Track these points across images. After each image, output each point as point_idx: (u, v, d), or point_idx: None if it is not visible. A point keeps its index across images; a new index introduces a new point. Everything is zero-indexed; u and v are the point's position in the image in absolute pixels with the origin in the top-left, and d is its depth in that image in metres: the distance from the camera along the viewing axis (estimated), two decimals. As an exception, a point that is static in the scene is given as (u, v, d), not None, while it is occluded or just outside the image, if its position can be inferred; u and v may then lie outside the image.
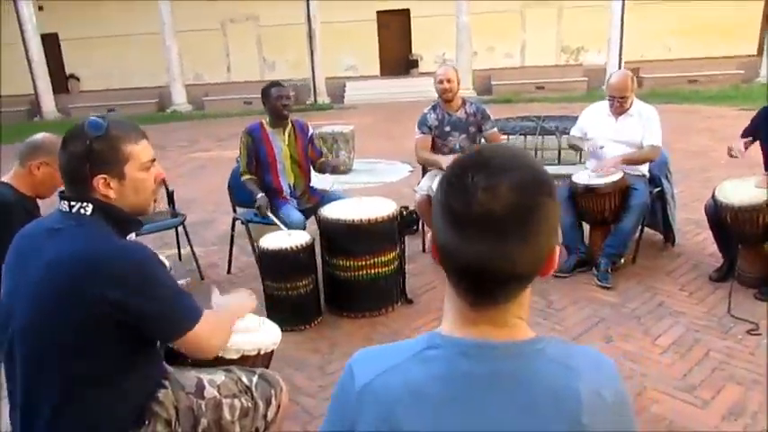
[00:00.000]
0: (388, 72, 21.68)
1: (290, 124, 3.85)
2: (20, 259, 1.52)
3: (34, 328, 1.44)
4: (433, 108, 4.25)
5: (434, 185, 3.83)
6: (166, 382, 1.64)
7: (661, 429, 2.34)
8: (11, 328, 1.48)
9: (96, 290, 1.37)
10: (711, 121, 10.75)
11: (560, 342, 0.87)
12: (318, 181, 4.07)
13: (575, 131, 4.20)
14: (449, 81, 4.08)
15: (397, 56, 21.72)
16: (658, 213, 4.16)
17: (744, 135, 3.71)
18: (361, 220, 3.27)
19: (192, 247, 4.27)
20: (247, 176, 3.76)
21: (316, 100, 18.59)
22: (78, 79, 22.56)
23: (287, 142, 3.82)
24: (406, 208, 3.63)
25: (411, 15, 21.40)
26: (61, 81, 21.61)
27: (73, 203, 1.49)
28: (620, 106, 3.86)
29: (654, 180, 4.08)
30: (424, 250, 4.39)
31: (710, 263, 3.88)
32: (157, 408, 1.59)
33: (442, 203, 0.81)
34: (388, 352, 0.91)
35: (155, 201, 1.63)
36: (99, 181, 1.48)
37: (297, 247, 3.21)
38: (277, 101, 3.79)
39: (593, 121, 4.04)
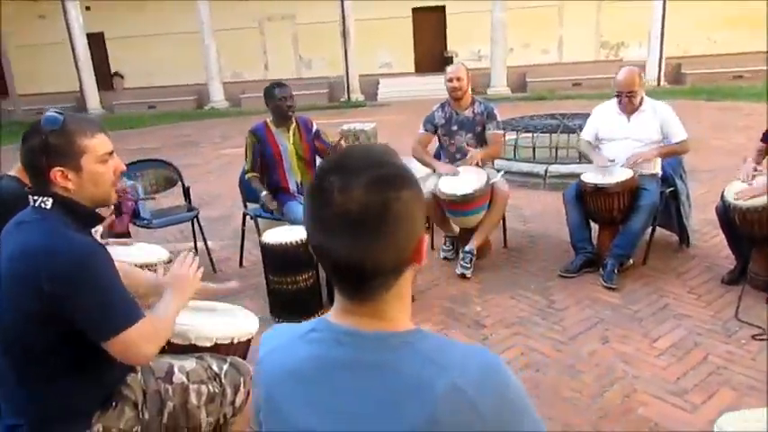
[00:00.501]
0: (422, 69, 21.63)
1: (293, 122, 3.92)
2: None
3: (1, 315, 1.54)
4: (442, 106, 4.25)
5: (440, 184, 3.86)
6: (137, 368, 1.72)
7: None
8: None
9: (38, 283, 1.44)
10: (752, 118, 10.35)
11: (438, 338, 0.90)
12: None
13: (585, 134, 4.11)
14: (458, 80, 4.07)
15: (432, 53, 21.65)
16: (672, 214, 4.07)
17: (764, 139, 3.59)
18: (361, 217, 3.30)
19: (205, 241, 4.40)
20: (251, 175, 3.86)
21: (349, 97, 18.70)
22: (122, 77, 23.26)
23: (292, 141, 3.89)
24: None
25: (446, 12, 21.31)
26: (106, 78, 22.32)
27: (35, 198, 1.57)
28: (629, 102, 3.77)
29: (667, 180, 3.99)
30: (432, 248, 4.40)
31: (725, 265, 3.77)
32: (126, 391, 1.67)
33: (307, 205, 0.85)
34: (285, 330, 0.96)
35: (116, 192, 1.70)
36: (56, 174, 1.54)
37: (297, 242, 3.28)
38: (281, 102, 3.86)
39: (605, 122, 3.96)
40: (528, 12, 20.19)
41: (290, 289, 3.32)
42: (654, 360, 2.82)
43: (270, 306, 3.46)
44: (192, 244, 4.67)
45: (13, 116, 16.68)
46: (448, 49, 21.69)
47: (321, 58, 21.18)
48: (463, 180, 3.85)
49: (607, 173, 3.74)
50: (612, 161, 3.80)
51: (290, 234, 3.35)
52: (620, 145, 3.83)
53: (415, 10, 21.52)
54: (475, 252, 3.92)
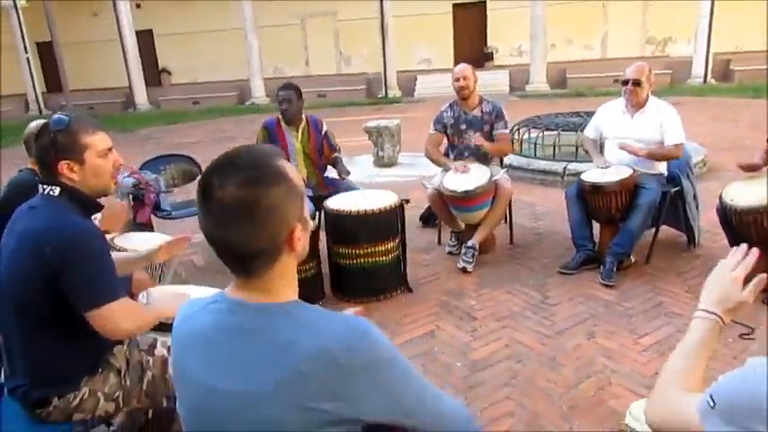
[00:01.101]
0: (462, 65, 21.56)
1: (303, 121, 4.09)
2: (8, 231, 1.85)
3: (5, 285, 1.77)
4: (451, 106, 4.36)
5: (444, 180, 3.97)
6: (125, 340, 1.93)
7: (610, 424, 2.38)
8: None
9: (43, 256, 1.67)
10: (797, 118, 10.01)
11: (315, 309, 1.05)
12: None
13: (589, 130, 4.17)
14: (465, 79, 4.17)
15: (472, 49, 21.53)
16: (679, 214, 4.07)
17: None
18: (358, 212, 3.47)
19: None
20: None
21: (386, 93, 18.84)
22: (170, 73, 24.06)
23: (299, 139, 4.08)
24: (407, 201, 3.77)
25: (487, 8, 21.19)
26: (154, 75, 23.14)
27: (45, 186, 1.81)
28: (633, 93, 3.78)
29: (673, 179, 4.00)
30: (439, 242, 4.52)
31: (729, 266, 3.76)
32: (112, 360, 1.89)
33: (197, 200, 1.01)
34: (195, 302, 1.13)
35: (114, 183, 1.92)
36: (63, 166, 1.78)
37: (299, 234, 3.45)
38: (280, 104, 4.05)
39: (609, 120, 4.00)
40: (572, 7, 19.91)
41: (293, 278, 3.50)
42: (635, 356, 2.88)
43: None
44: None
45: (65, 111, 17.43)
46: (488, 44, 21.59)
47: (360, 55, 21.40)
48: (466, 177, 3.95)
49: (606, 171, 3.78)
50: (608, 166, 3.84)
51: (293, 226, 3.53)
52: (623, 144, 3.85)
53: (455, 6, 21.50)
54: (477, 247, 4.02)
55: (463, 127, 4.25)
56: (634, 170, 3.73)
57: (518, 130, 6.98)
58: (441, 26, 21.57)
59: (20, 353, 1.81)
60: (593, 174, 3.84)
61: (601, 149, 4.14)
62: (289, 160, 3.36)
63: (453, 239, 4.34)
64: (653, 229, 3.99)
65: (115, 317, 1.73)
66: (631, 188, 3.71)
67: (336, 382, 0.97)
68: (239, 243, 0.99)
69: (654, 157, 3.76)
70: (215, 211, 0.98)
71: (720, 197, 3.43)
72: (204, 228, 1.01)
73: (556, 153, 6.29)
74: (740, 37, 18.03)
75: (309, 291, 3.56)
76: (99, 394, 1.84)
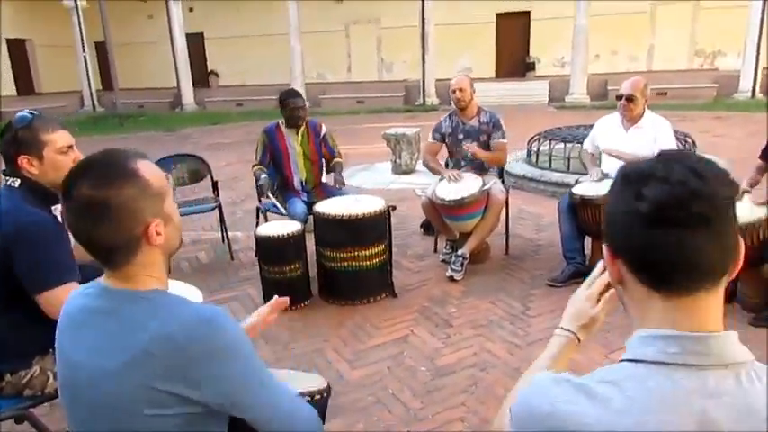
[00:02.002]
0: (503, 74, 21.48)
1: (304, 125, 4.21)
2: None
3: None
4: (450, 116, 4.41)
5: (436, 189, 4.03)
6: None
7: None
8: None
9: (2, 245, 1.83)
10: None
11: (175, 298, 1.16)
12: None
13: (587, 143, 4.16)
14: (461, 90, 4.22)
15: (514, 58, 21.44)
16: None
17: (763, 156, 3.49)
18: (344, 216, 3.56)
19: (225, 231, 4.84)
20: (257, 167, 4.19)
21: (424, 101, 18.92)
22: (218, 75, 24.79)
23: (300, 141, 4.20)
24: (394, 207, 3.83)
25: (531, 17, 21.03)
26: (203, 76, 23.91)
27: (7, 178, 1.98)
28: (626, 108, 3.77)
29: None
30: (435, 250, 4.57)
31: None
32: None
33: (61, 199, 1.13)
34: (81, 288, 1.23)
35: None
36: (23, 160, 1.94)
37: (285, 235, 3.58)
38: (293, 111, 4.18)
39: (605, 133, 3.98)
40: (617, 18, 19.56)
41: (278, 278, 3.63)
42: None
43: (263, 293, 3.79)
44: (219, 234, 5.10)
45: (114, 109, 18.23)
46: (530, 54, 21.41)
47: (402, 62, 21.55)
48: (458, 186, 4.00)
49: (598, 185, 3.77)
50: (606, 175, 3.82)
51: (281, 228, 3.66)
52: (615, 159, 3.83)
53: (499, 15, 21.41)
54: (467, 256, 4.05)
55: (461, 137, 4.30)
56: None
57: (536, 141, 6.96)
58: (483, 35, 21.52)
59: None
60: (583, 187, 3.83)
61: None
62: (289, 163, 3.50)
63: (448, 247, 4.38)
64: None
65: (60, 300, 1.86)
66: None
67: (179, 366, 1.06)
68: (96, 237, 1.11)
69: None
70: (72, 209, 1.10)
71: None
72: (67, 224, 1.13)
73: (570, 165, 6.23)
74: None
75: (295, 291, 3.66)
76: (49, 373, 1.99)
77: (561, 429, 0.81)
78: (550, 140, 6.76)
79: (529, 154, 7.04)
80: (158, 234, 1.14)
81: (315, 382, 1.76)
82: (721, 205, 0.80)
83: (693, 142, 6.39)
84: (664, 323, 0.84)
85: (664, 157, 0.85)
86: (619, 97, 3.84)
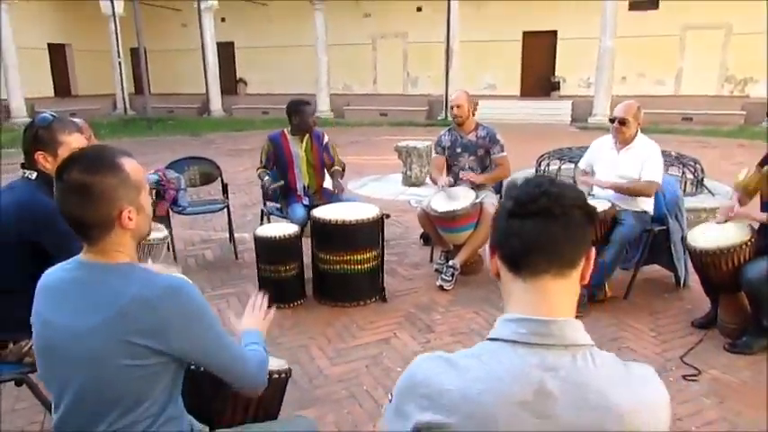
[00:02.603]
0: (528, 93, 21.54)
1: (307, 133, 4.41)
2: None
3: None
4: (449, 131, 4.57)
5: (431, 200, 4.18)
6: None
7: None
8: None
9: (17, 224, 2.06)
10: None
11: (146, 269, 1.36)
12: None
13: (583, 162, 4.28)
14: (459, 107, 4.39)
15: (539, 77, 21.49)
16: (663, 253, 4.09)
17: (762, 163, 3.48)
18: (338, 221, 3.73)
19: (231, 231, 5.05)
20: (261, 170, 4.43)
21: (446, 116, 19.06)
22: (246, 83, 25.34)
23: (304, 148, 4.40)
24: (388, 215, 3.99)
25: (558, 37, 21.09)
26: (232, 84, 24.48)
27: (25, 171, 2.21)
28: (620, 131, 3.87)
29: (661, 219, 4.02)
30: (431, 260, 4.71)
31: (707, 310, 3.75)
32: None
33: (54, 183, 1.32)
34: (60, 264, 1.42)
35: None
36: (39, 156, 2.17)
37: (281, 236, 3.77)
38: (309, 117, 4.38)
39: (599, 154, 4.10)
40: (646, 41, 19.51)
41: (274, 277, 3.81)
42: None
43: (259, 290, 3.96)
44: (226, 234, 5.31)
45: (145, 113, 18.78)
46: (556, 74, 21.45)
47: (427, 76, 21.76)
48: (452, 199, 4.14)
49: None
50: (594, 195, 3.93)
51: (278, 230, 3.85)
52: (606, 178, 3.94)
53: (526, 33, 21.52)
54: (458, 267, 4.19)
55: (459, 150, 4.45)
56: (613, 205, 3.80)
57: (545, 160, 7.05)
58: (509, 53, 21.63)
59: None
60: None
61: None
62: (293, 168, 3.71)
63: (442, 258, 4.51)
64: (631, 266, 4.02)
65: None
66: (608, 222, 3.78)
67: (151, 323, 1.28)
68: (78, 215, 1.31)
69: (621, 191, 3.83)
70: (62, 189, 1.30)
71: (684, 238, 3.45)
72: (56, 202, 1.33)
73: (576, 185, 6.29)
74: None
75: (289, 290, 3.86)
76: (36, 359, 2.19)
77: (429, 393, 0.97)
78: (559, 159, 6.84)
79: (537, 172, 7.13)
80: (130, 219, 1.34)
81: (277, 364, 1.93)
82: (567, 204, 0.96)
83: (702, 169, 6.41)
84: (520, 307, 0.99)
85: (556, 196, 0.98)
86: (612, 120, 3.94)
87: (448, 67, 18.59)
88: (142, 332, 1.27)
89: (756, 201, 3.41)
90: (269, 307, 1.83)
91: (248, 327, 1.72)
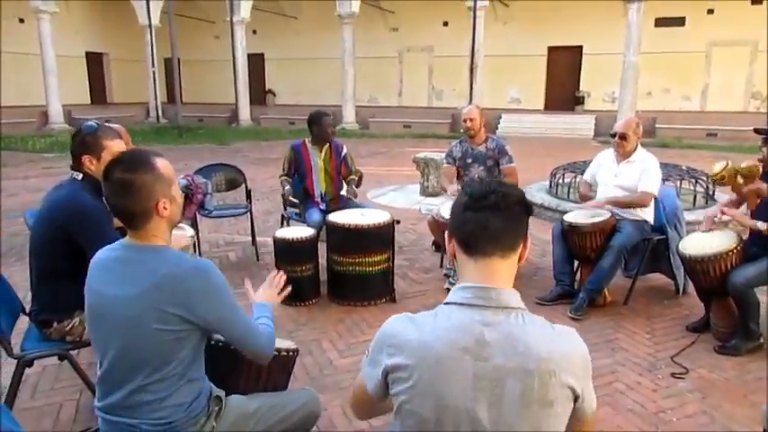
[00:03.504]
0: (551, 107, 21.69)
1: (327, 144, 4.70)
2: (42, 201, 2.57)
3: (34, 242, 2.47)
4: (460, 142, 4.83)
5: (441, 208, 4.43)
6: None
7: None
8: (30, 248, 2.53)
9: (62, 220, 2.37)
10: None
11: (177, 252, 1.63)
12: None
13: (587, 175, 4.48)
14: (471, 120, 4.65)
15: (564, 92, 21.63)
16: (663, 261, 4.26)
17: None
18: (351, 226, 4.00)
19: (253, 234, 5.37)
20: (283, 178, 4.73)
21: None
22: (275, 94, 25.98)
23: (323, 158, 4.70)
24: (398, 221, 4.24)
25: (583, 52, 21.21)
26: (261, 94, 25.12)
27: (72, 171, 2.52)
28: (620, 146, 4.08)
29: (660, 228, 4.21)
30: (441, 266, 4.94)
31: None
32: None
33: (102, 178, 1.61)
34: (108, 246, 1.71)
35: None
36: (85, 159, 2.48)
37: (299, 238, 4.05)
38: (328, 128, 4.69)
39: (602, 167, 4.30)
40: (671, 57, 19.57)
41: (291, 276, 4.00)
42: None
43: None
44: (249, 237, 5.62)
45: (176, 121, 19.39)
46: (580, 88, 21.55)
47: (452, 90, 22.06)
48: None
49: (586, 214, 4.08)
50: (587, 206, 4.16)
51: (296, 232, 4.14)
52: (607, 189, 4.16)
53: (551, 48, 21.70)
54: (465, 271, 4.41)
55: (469, 161, 4.70)
56: (612, 214, 4.00)
57: (560, 172, 7.24)
58: (534, 67, 21.85)
59: (36, 288, 2.51)
60: (573, 215, 4.15)
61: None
62: (312, 176, 4.03)
63: (451, 263, 4.75)
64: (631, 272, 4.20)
65: None
66: (607, 231, 3.97)
67: (179, 295, 1.56)
68: (123, 207, 1.61)
69: (617, 204, 4.02)
70: (109, 187, 1.60)
71: (677, 246, 3.64)
72: (105, 197, 1.63)
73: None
74: None
75: (304, 289, 4.12)
76: (86, 324, 2.49)
77: (395, 342, 1.25)
78: (573, 173, 7.03)
79: (551, 185, 7.33)
80: (165, 209, 1.63)
81: (286, 344, 2.19)
82: (510, 201, 1.21)
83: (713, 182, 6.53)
84: (469, 279, 1.24)
85: (503, 195, 1.25)
86: (613, 135, 4.16)
87: (472, 81, 18.80)
88: (172, 302, 1.56)
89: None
90: (284, 288, 2.12)
91: (262, 300, 1.99)
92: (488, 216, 1.22)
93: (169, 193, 1.65)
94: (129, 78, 24.58)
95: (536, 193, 7.21)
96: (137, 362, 1.60)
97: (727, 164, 3.44)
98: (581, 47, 21.18)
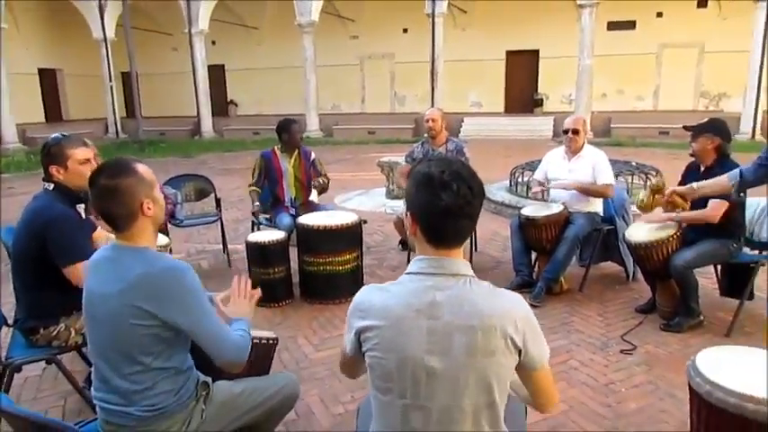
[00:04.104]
0: (511, 110, 22.25)
1: (296, 150, 4.89)
2: (22, 212, 2.68)
3: (17, 253, 2.60)
4: (422, 143, 5.07)
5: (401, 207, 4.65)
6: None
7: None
8: (11, 259, 2.65)
9: (37, 229, 2.49)
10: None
11: (157, 253, 1.78)
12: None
13: (538, 174, 4.76)
14: (433, 120, 4.90)
15: (523, 95, 22.23)
16: (614, 250, 4.57)
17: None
18: (320, 227, 4.19)
19: (224, 241, 5.50)
20: (252, 188, 4.88)
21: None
22: (236, 105, 25.94)
23: (292, 164, 4.88)
24: (365, 221, 4.45)
25: (539, 56, 21.84)
26: (223, 106, 25.04)
27: (44, 183, 2.65)
28: (573, 141, 4.37)
29: (610, 219, 4.51)
30: (408, 263, 5.14)
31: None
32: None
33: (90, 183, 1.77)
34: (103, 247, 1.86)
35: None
36: (53, 169, 2.62)
37: (270, 242, 4.22)
38: (296, 134, 4.87)
39: (552, 164, 4.59)
40: (624, 59, 20.31)
41: (264, 278, 4.23)
42: (523, 359, 3.41)
43: (250, 291, 4.40)
44: (220, 245, 5.75)
45: (137, 136, 19.23)
46: (538, 91, 22.17)
47: (414, 95, 22.40)
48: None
49: (540, 207, 4.36)
50: (553, 200, 4.43)
51: (268, 236, 4.30)
52: (563, 185, 4.43)
53: (509, 53, 22.28)
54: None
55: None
56: (565, 207, 4.28)
57: (518, 171, 7.56)
58: (494, 72, 22.41)
59: (21, 296, 2.62)
60: (529, 209, 4.43)
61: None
62: (282, 182, 4.23)
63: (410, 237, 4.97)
64: (583, 260, 4.50)
65: (80, 272, 2.50)
66: (561, 223, 4.25)
67: (154, 293, 1.70)
68: (109, 210, 1.76)
69: (584, 191, 4.30)
70: (95, 193, 1.76)
71: (624, 234, 3.93)
72: (92, 203, 1.79)
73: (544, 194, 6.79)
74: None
75: (278, 290, 4.29)
76: (71, 329, 2.62)
77: (365, 308, 1.46)
78: (531, 171, 7.34)
79: (510, 183, 7.64)
80: (149, 209, 1.79)
81: (267, 334, 2.37)
82: (474, 210, 1.41)
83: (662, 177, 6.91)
84: (428, 254, 1.45)
85: (453, 173, 1.40)
86: (565, 131, 4.45)
87: (433, 87, 19.18)
88: (145, 299, 1.68)
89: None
90: (254, 288, 2.19)
91: (237, 316, 2.01)
92: (464, 223, 1.41)
93: (152, 194, 1.81)
94: (86, 94, 24.18)
95: (497, 191, 7.51)
96: (120, 355, 1.74)
97: (648, 193, 3.73)
98: (537, 51, 21.81)
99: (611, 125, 18.76)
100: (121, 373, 1.75)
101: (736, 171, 3.02)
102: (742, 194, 3.03)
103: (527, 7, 20.57)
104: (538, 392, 1.53)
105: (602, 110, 19.55)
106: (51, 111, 23.87)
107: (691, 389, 1.97)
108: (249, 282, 2.19)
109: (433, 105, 19.62)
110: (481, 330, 1.34)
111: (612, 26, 20.41)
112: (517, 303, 1.43)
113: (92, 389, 1.86)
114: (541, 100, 22.06)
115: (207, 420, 1.87)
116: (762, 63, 16.30)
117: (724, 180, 3.05)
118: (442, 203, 1.37)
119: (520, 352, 1.40)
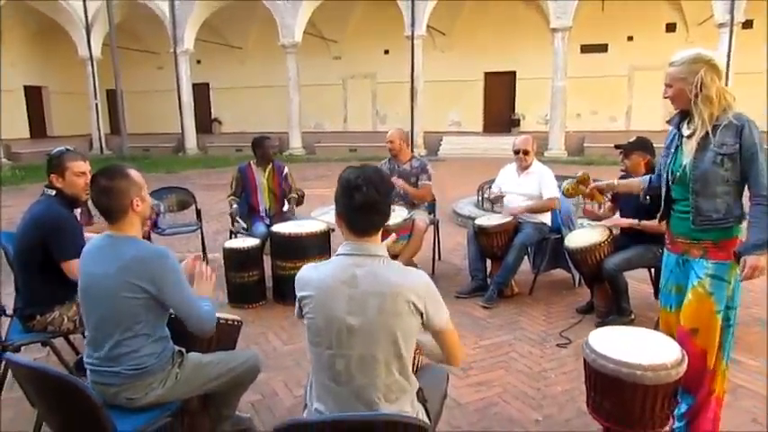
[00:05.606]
0: (490, 129, 22.88)
1: (270, 164, 5.30)
2: (24, 214, 3.05)
3: (18, 250, 2.96)
4: (389, 160, 5.50)
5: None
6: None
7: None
8: (14, 253, 3.02)
9: (38, 230, 2.86)
10: None
11: (143, 241, 2.17)
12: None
13: (494, 186, 5.19)
14: (391, 142, 5.37)
15: (501, 114, 22.90)
16: (562, 258, 5.00)
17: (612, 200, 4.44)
18: (291, 234, 4.58)
19: (204, 249, 5.87)
20: (231, 198, 5.28)
21: (412, 151, 20.01)
22: (220, 122, 26.35)
23: (266, 177, 5.28)
24: (333, 229, 4.85)
25: (516, 77, 22.55)
26: (207, 123, 25.42)
27: (45, 189, 3.02)
28: (523, 160, 4.82)
29: (558, 229, 4.95)
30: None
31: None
32: (75, 295, 2.98)
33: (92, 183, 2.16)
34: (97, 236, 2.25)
35: (86, 194, 3.10)
36: (53, 177, 3.00)
37: (245, 248, 4.60)
38: (269, 149, 5.29)
39: (505, 178, 5.04)
40: (597, 81, 21.08)
41: (239, 282, 4.61)
42: (468, 351, 3.80)
43: (227, 292, 4.77)
44: (200, 253, 6.10)
45: (121, 153, 19.50)
46: (516, 111, 22.85)
47: (396, 114, 22.91)
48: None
49: (493, 217, 4.80)
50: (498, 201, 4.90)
51: (243, 243, 4.68)
52: (512, 196, 4.88)
53: (487, 74, 22.99)
54: (395, 273, 5.03)
55: (395, 177, 5.36)
56: (514, 217, 4.72)
57: (485, 187, 8.00)
58: (472, 92, 23.12)
59: (21, 287, 2.98)
60: (482, 219, 4.86)
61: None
62: (257, 194, 4.67)
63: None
64: (532, 267, 4.93)
65: (73, 266, 2.87)
66: (510, 231, 4.69)
67: (144, 272, 2.09)
68: (106, 205, 2.16)
69: (531, 210, 4.74)
70: (95, 191, 2.16)
71: (563, 241, 4.37)
72: (92, 199, 2.17)
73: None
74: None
75: (251, 293, 4.66)
76: (64, 317, 2.98)
77: (303, 282, 1.86)
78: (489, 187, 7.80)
79: (477, 197, 8.09)
80: (138, 206, 2.20)
81: (231, 316, 2.76)
82: (383, 207, 1.82)
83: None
84: (352, 240, 1.85)
85: (365, 178, 1.83)
86: (516, 152, 4.90)
87: (413, 106, 19.74)
88: (137, 276, 2.09)
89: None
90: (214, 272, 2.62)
91: (201, 295, 2.39)
92: (375, 217, 1.81)
93: (140, 194, 2.22)
94: (70, 111, 24.47)
95: (464, 206, 7.97)
96: (114, 323, 2.13)
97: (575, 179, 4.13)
98: (515, 72, 22.54)
99: (585, 144, 19.38)
100: (114, 338, 2.12)
101: (648, 177, 3.45)
102: (648, 197, 3.40)
103: (504, 30, 21.37)
104: (444, 349, 1.94)
105: (577, 129, 20.23)
106: (36, 127, 24.13)
107: (585, 360, 2.38)
108: (210, 267, 2.61)
109: (413, 124, 20.23)
110: (390, 296, 1.74)
111: (585, 49, 21.21)
112: (420, 277, 1.83)
113: (84, 356, 2.24)
114: (519, 120, 22.72)
115: (180, 381, 2.25)
116: (725, 84, 17.06)
117: (637, 182, 3.44)
118: (356, 202, 1.77)
119: (422, 315, 1.80)
